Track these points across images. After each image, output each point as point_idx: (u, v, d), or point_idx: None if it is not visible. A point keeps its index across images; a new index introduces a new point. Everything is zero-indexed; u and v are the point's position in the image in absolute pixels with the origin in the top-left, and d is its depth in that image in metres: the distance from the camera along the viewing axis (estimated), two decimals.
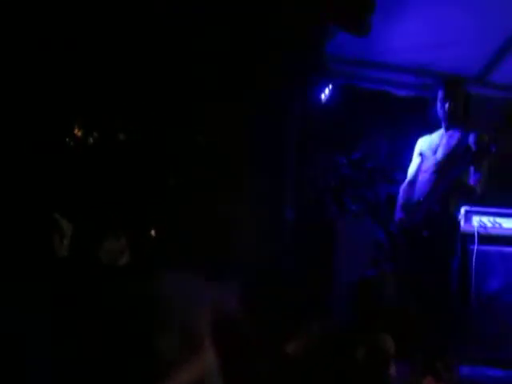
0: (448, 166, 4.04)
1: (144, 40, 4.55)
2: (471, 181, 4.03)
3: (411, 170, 4.35)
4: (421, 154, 4.30)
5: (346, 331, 3.02)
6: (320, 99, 4.72)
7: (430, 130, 4.36)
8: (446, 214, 3.96)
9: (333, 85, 4.71)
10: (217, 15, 4.37)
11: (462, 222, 4.01)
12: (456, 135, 4.12)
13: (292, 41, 4.36)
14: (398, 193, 4.37)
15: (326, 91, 4.69)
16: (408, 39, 4.50)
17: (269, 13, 4.22)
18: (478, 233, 4.11)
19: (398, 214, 4.21)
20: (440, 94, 4.20)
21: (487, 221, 4.18)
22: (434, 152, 4.17)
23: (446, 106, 4.15)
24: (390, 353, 2.93)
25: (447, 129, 4.18)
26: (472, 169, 4.02)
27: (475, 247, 4.05)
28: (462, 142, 4.09)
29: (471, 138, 4.08)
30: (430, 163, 4.15)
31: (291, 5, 4.14)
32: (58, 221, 3.78)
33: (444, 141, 4.15)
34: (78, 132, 4.76)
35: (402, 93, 5.06)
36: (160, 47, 4.59)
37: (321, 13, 4.03)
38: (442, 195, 3.91)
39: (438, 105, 4.21)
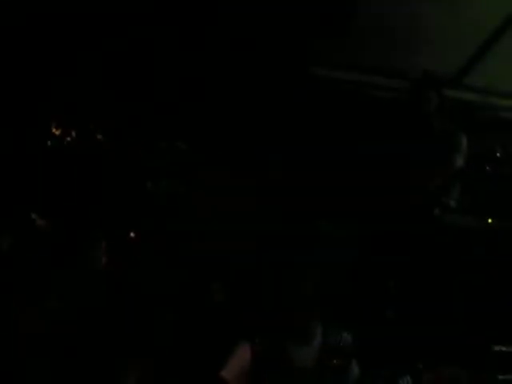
0: None
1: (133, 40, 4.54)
2: None
3: None
4: None
5: None
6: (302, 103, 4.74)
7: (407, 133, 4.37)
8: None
9: (312, 88, 4.73)
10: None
11: None
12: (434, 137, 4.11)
13: (274, 46, 4.39)
14: None
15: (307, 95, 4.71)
16: (384, 41, 4.54)
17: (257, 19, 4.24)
18: None
19: None
20: (412, 90, 4.18)
21: None
22: None
23: (420, 101, 4.13)
24: None
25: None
26: None
27: None
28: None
29: (450, 140, 4.08)
30: None
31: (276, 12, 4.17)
32: (36, 221, 3.77)
33: None
34: (56, 131, 4.73)
35: (379, 95, 5.10)
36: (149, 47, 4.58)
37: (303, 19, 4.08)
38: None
39: (412, 101, 4.18)
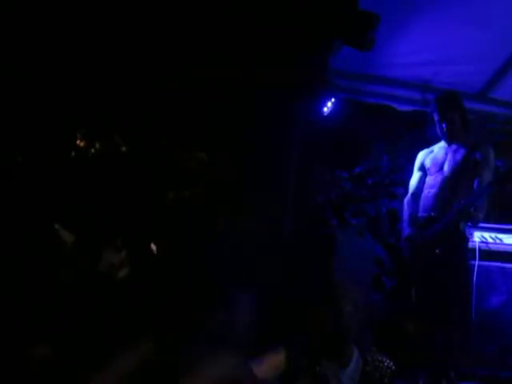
0: (456, 181, 4.01)
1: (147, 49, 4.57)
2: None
3: (413, 183, 4.30)
4: (422, 168, 4.27)
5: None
6: (323, 113, 4.70)
7: (430, 144, 4.34)
8: (457, 231, 3.93)
9: (336, 99, 4.70)
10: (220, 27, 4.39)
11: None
12: (461, 150, 4.08)
13: (295, 55, 4.38)
14: (402, 207, 4.31)
15: (329, 105, 4.67)
16: (411, 54, 4.52)
17: (273, 27, 4.24)
18: (479, 248, 4.10)
19: (406, 230, 4.15)
20: (435, 110, 4.16)
21: (488, 236, 4.17)
22: (441, 167, 4.12)
23: (443, 121, 4.11)
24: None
25: (449, 144, 4.15)
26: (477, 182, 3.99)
27: (476, 263, 4.05)
28: (468, 157, 4.05)
29: (478, 153, 4.05)
30: (437, 179, 4.10)
31: (296, 19, 4.16)
32: (59, 231, 3.77)
33: (449, 156, 4.11)
34: (80, 143, 4.77)
35: (404, 108, 5.07)
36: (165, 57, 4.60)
37: (325, 27, 4.05)
38: (455, 211, 3.87)
39: (436, 121, 4.17)
